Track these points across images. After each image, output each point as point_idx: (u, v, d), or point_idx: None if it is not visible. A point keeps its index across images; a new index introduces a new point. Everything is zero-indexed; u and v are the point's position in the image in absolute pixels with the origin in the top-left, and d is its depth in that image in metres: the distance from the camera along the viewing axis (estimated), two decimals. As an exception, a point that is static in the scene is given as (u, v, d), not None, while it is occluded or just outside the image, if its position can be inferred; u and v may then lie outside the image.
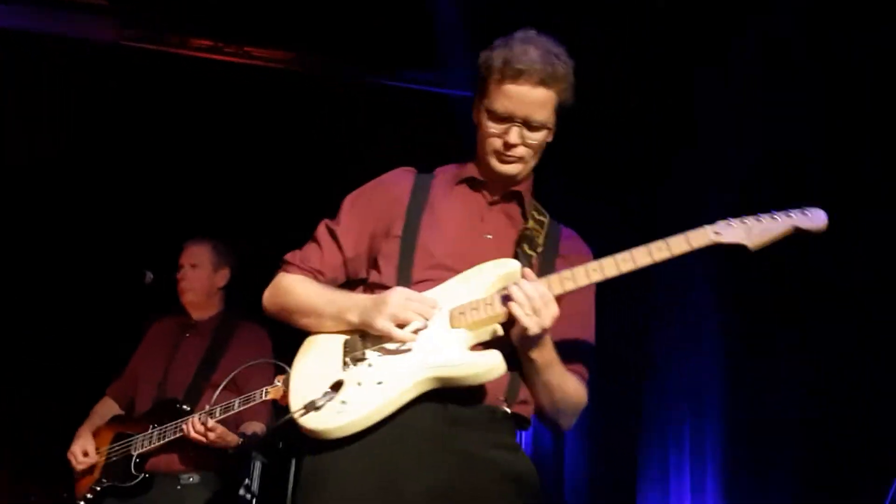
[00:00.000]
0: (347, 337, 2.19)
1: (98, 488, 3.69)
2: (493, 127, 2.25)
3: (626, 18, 4.50)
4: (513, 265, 2.18)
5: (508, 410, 2.18)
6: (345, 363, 2.15)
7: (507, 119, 2.23)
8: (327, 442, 2.07)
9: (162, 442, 3.60)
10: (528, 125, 2.23)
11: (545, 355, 2.15)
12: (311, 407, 2.05)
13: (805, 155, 3.94)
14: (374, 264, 2.29)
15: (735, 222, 2.12)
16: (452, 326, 2.13)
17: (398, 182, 2.37)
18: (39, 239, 5.04)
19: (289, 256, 2.37)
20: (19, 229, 5.05)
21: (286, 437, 3.30)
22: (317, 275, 2.32)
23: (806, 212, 2.10)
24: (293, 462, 2.31)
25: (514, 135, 2.24)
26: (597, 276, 2.11)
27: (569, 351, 2.26)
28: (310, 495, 2.10)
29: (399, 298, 2.12)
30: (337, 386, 2.08)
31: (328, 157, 4.94)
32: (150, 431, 3.65)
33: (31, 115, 5.10)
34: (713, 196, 4.32)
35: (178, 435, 3.55)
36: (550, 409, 2.25)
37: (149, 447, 3.63)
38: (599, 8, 4.44)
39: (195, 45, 5.14)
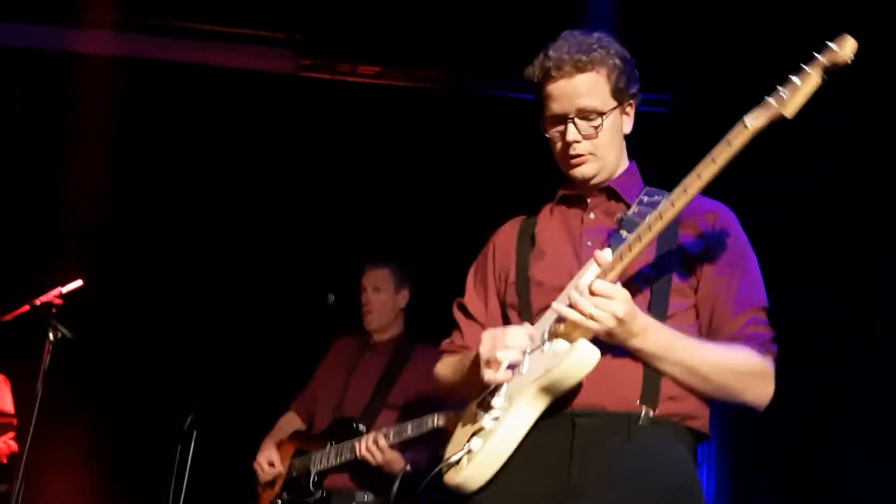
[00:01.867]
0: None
1: (279, 501, 3.81)
2: (554, 133, 2.21)
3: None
4: (602, 256, 2.04)
5: (651, 413, 2.02)
6: (476, 416, 2.14)
7: (561, 119, 2.18)
8: (477, 492, 2.07)
9: (339, 461, 3.67)
10: (583, 116, 2.17)
11: (651, 341, 2.01)
12: (449, 465, 2.09)
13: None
14: (505, 318, 2.29)
15: (770, 98, 1.92)
16: (551, 339, 2.06)
17: (505, 234, 2.38)
18: (232, 263, 5.31)
19: (441, 345, 2.45)
20: (211, 255, 5.32)
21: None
22: (466, 351, 2.34)
23: (830, 45, 1.87)
24: None
25: (571, 132, 2.18)
26: (659, 225, 1.99)
27: (720, 315, 2.11)
28: None
29: (486, 341, 2.10)
30: (471, 439, 2.10)
31: (501, 174, 4.97)
32: (327, 449, 3.73)
33: (214, 142, 5.36)
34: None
35: (353, 454, 3.61)
36: (712, 392, 2.07)
37: (326, 465, 3.71)
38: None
39: (364, 72, 5.31)
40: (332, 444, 3.72)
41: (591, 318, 1.94)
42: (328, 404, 3.94)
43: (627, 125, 2.27)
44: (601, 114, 2.18)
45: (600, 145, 2.21)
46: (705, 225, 2.17)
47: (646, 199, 2.20)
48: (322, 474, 3.73)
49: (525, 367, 2.06)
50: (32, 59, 5.23)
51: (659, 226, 1.98)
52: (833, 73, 1.88)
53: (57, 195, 5.32)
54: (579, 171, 2.23)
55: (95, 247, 5.31)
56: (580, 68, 2.16)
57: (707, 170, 1.95)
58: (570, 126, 2.18)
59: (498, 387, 2.09)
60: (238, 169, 5.33)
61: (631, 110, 2.27)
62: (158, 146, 5.37)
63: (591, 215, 2.26)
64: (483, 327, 2.29)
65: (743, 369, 2.05)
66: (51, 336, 4.56)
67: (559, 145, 2.22)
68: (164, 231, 5.41)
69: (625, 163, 2.31)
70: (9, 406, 5.11)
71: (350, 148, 5.24)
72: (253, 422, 4.20)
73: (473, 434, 2.09)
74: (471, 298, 2.40)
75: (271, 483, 3.90)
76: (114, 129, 5.29)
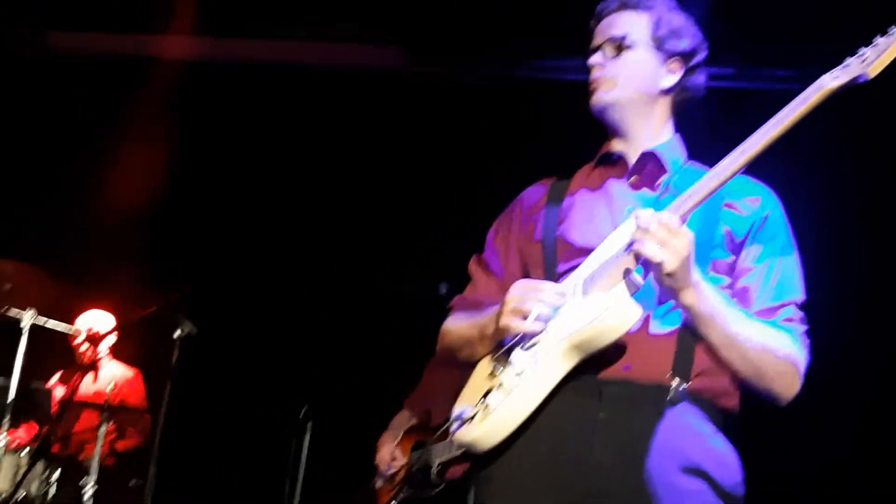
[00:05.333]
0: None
1: (401, 495, 3.81)
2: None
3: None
4: (645, 211, 1.89)
5: (682, 387, 1.90)
6: (492, 373, 2.00)
7: (593, 53, 2.15)
8: (489, 453, 1.95)
9: (461, 451, 3.65)
10: (611, 42, 2.12)
11: (704, 297, 1.87)
12: (462, 420, 1.97)
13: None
14: (526, 277, 2.14)
15: (851, 59, 1.82)
16: (586, 294, 1.93)
17: (534, 191, 2.26)
18: (346, 257, 5.38)
19: (452, 301, 2.32)
20: (325, 250, 5.41)
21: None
22: (478, 307, 2.20)
23: None
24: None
25: (593, 57, 2.13)
26: (715, 182, 1.86)
27: (757, 302, 1.99)
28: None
29: (516, 291, 1.97)
30: (487, 394, 1.97)
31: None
32: (448, 440, 3.71)
33: (327, 141, 5.45)
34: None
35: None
36: (744, 371, 1.93)
37: (449, 455, 3.69)
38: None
39: (480, 68, 5.29)
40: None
41: (662, 243, 1.81)
42: (445, 397, 3.91)
43: (667, 80, 2.15)
44: (628, 46, 2.12)
45: (621, 76, 2.12)
46: (750, 206, 2.06)
47: (689, 169, 2.12)
48: (444, 466, 3.72)
49: (555, 323, 1.94)
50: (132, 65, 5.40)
51: (714, 184, 1.87)
52: None
53: (176, 200, 5.51)
54: (594, 99, 2.14)
55: (215, 247, 5.47)
56: (623, 6, 2.14)
57: (774, 129, 1.83)
58: (596, 54, 2.15)
59: (519, 341, 1.98)
60: (345, 163, 5.40)
61: (676, 68, 2.15)
62: (271, 150, 5.50)
63: (633, 178, 2.15)
64: (501, 285, 2.16)
65: (781, 356, 1.94)
66: (178, 332, 4.71)
67: None
68: (279, 229, 5.52)
69: (667, 127, 2.19)
70: (141, 398, 5.29)
71: (460, 139, 5.22)
72: (367, 414, 4.22)
73: (489, 390, 1.98)
74: (490, 253, 2.27)
75: (391, 479, 3.90)
76: (219, 134, 5.46)
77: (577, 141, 2.34)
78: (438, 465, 3.70)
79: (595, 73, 2.13)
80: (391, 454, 3.89)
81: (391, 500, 3.82)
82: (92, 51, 5.54)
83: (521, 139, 5.08)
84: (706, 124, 2.36)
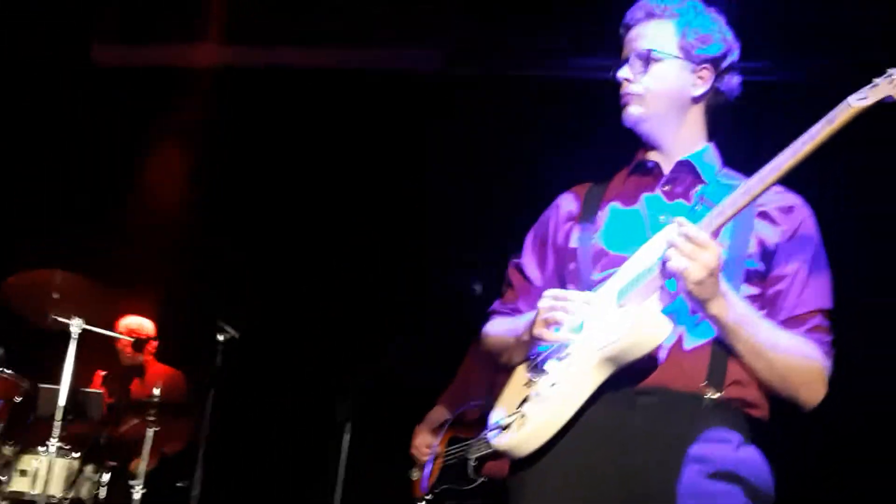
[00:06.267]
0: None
1: (437, 490, 3.83)
2: None
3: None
4: (686, 221, 1.92)
5: (715, 397, 1.94)
6: (528, 381, 2.07)
7: (623, 63, 2.16)
8: (525, 460, 2.00)
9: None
10: (638, 57, 2.12)
11: (731, 309, 1.91)
12: (498, 427, 2.03)
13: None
14: (562, 283, 2.19)
15: (880, 80, 1.82)
16: (620, 305, 1.97)
17: (570, 198, 2.28)
18: (382, 257, 5.44)
19: (493, 306, 2.37)
20: (360, 250, 5.46)
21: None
22: (516, 314, 2.27)
23: None
24: None
25: (621, 71, 2.14)
26: (746, 199, 1.89)
27: (785, 311, 2.02)
28: None
29: (546, 302, 2.03)
30: (523, 403, 2.03)
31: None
32: (484, 435, 3.73)
33: (356, 142, 5.51)
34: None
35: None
36: (771, 380, 1.97)
37: (485, 451, 3.71)
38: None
39: (515, 65, 5.29)
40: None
41: (690, 257, 1.85)
42: (481, 392, 3.92)
43: (698, 88, 2.16)
44: (656, 59, 2.12)
45: (650, 90, 2.13)
46: (782, 216, 2.08)
47: (723, 180, 2.13)
48: (481, 461, 3.73)
49: (588, 334, 1.99)
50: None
51: (745, 201, 1.90)
52: None
53: (214, 206, 5.61)
54: (625, 115, 2.18)
55: (254, 251, 5.56)
56: (650, 15, 2.15)
57: (805, 147, 1.84)
58: (625, 67, 2.15)
59: (553, 352, 2.04)
60: (379, 164, 5.44)
61: (707, 75, 2.15)
62: (307, 153, 5.57)
63: (667, 188, 2.17)
64: (538, 291, 2.20)
65: (806, 364, 1.99)
66: (220, 337, 4.81)
67: None
68: (316, 232, 5.59)
69: (701, 134, 2.20)
70: (185, 398, 5.38)
71: (495, 139, 5.23)
72: (405, 414, 4.25)
73: (525, 399, 2.04)
74: (528, 259, 2.32)
75: (427, 474, 3.92)
76: (256, 139, 5.53)
77: (614, 141, 2.34)
78: (475, 460, 3.72)
79: (625, 88, 2.16)
80: (426, 443, 3.91)
81: (427, 494, 3.84)
82: (130, 62, 5.65)
83: (560, 138, 5.08)
84: (740, 116, 2.36)
